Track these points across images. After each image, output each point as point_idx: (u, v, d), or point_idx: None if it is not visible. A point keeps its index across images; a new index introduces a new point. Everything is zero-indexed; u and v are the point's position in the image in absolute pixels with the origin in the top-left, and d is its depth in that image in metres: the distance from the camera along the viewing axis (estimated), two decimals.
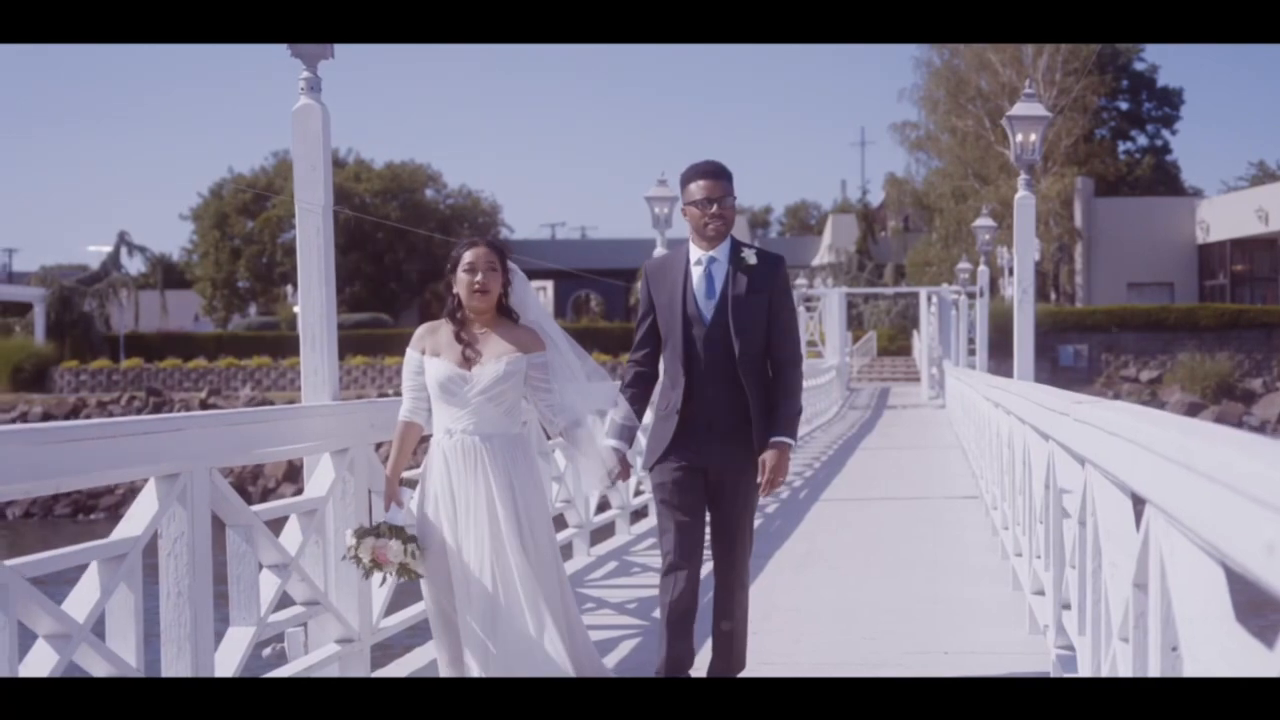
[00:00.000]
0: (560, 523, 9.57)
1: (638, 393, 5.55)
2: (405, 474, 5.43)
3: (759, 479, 5.33)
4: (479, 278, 5.18)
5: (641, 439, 5.71)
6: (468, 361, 5.16)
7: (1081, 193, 56.53)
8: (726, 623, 5.43)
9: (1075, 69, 56.50)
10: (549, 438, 8.54)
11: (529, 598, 5.00)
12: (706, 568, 5.45)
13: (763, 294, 5.35)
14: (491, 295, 5.22)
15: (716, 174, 5.37)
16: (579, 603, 8.17)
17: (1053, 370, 45.14)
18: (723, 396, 5.32)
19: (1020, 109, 11.60)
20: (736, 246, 5.42)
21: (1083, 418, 4.57)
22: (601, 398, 5.42)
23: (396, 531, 5.05)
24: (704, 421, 5.32)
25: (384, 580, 5.36)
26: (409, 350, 5.32)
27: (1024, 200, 11.05)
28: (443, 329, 5.28)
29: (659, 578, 5.45)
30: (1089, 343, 48.02)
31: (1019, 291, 11.15)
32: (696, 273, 5.39)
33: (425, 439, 5.41)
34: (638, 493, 11.54)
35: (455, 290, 5.25)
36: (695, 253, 5.43)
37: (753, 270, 5.37)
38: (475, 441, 5.10)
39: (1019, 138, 11.39)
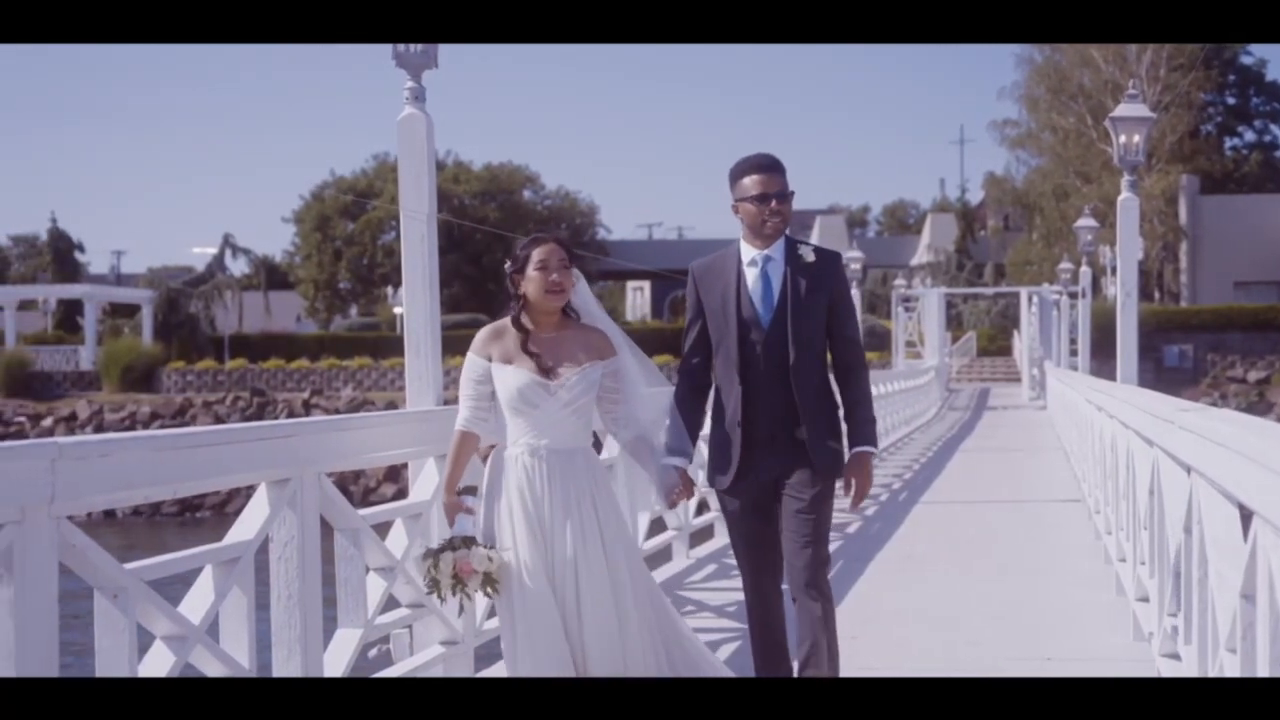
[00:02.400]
0: (660, 525, 9.56)
1: (693, 405, 5.14)
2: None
3: (845, 493, 4.95)
4: (554, 276, 4.85)
5: (702, 448, 5.37)
6: (546, 371, 4.83)
7: (1186, 190, 55.58)
8: (814, 647, 4.91)
9: (1180, 64, 55.56)
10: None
11: (620, 617, 4.77)
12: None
13: (823, 294, 4.97)
14: (567, 294, 4.91)
15: (771, 167, 4.97)
16: (678, 606, 8.22)
17: (1157, 371, 44.42)
18: (786, 405, 4.93)
19: (1123, 110, 11.46)
20: (792, 244, 5.03)
21: (1188, 427, 4.53)
22: (663, 409, 5.11)
23: (470, 542, 4.76)
24: (765, 433, 4.95)
25: (461, 606, 5.02)
26: (471, 355, 4.95)
27: (1128, 202, 10.92)
28: (509, 334, 4.93)
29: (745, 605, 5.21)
30: (1194, 343, 47.22)
31: (1122, 295, 11.03)
32: (751, 274, 5.00)
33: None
34: None
35: (522, 291, 4.90)
36: (748, 252, 5.02)
37: (811, 269, 4.98)
38: (559, 458, 4.79)
39: (1122, 139, 11.26)
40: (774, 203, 4.94)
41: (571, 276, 4.90)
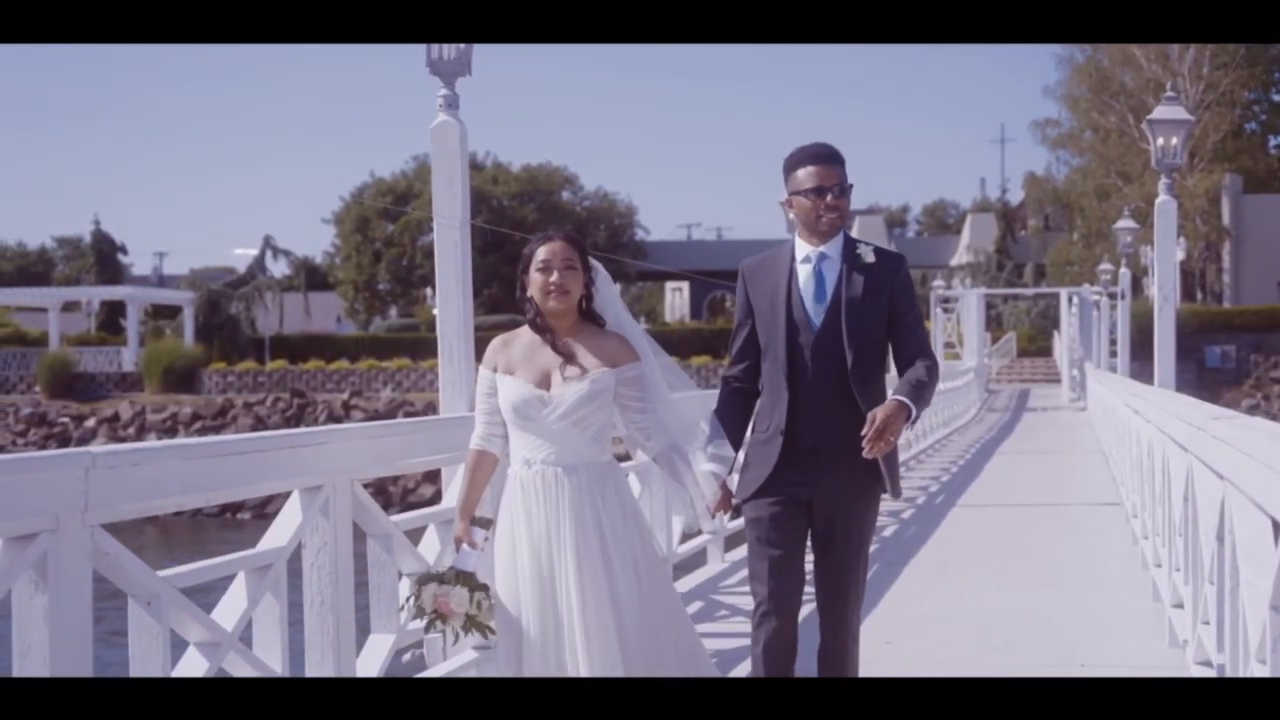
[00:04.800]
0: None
1: (736, 413, 4.73)
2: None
3: (866, 430, 4.29)
4: (555, 277, 4.50)
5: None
6: (548, 380, 4.49)
7: (1229, 189, 55.18)
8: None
9: (1224, 63, 55.18)
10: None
11: (620, 636, 4.39)
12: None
13: (882, 295, 4.55)
14: (571, 297, 4.53)
15: (829, 158, 4.58)
16: (711, 611, 8.22)
17: (1199, 372, 44.10)
18: (833, 415, 4.52)
19: (1161, 112, 11.38)
20: (851, 243, 4.62)
21: (1219, 435, 4.51)
22: (694, 415, 4.78)
23: (464, 578, 4.44)
24: (809, 445, 4.54)
25: (456, 638, 4.64)
26: (480, 368, 4.67)
27: (1165, 205, 10.86)
28: (518, 342, 4.61)
29: (750, 627, 4.67)
30: (1237, 343, 46.85)
31: (1159, 298, 10.98)
32: (804, 271, 4.60)
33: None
34: None
35: (530, 293, 4.58)
36: (802, 249, 4.63)
37: (870, 269, 4.56)
38: (557, 474, 4.43)
39: (1160, 141, 11.18)
40: (831, 197, 4.54)
41: (577, 278, 4.55)
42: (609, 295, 4.67)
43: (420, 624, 4.67)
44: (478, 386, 4.70)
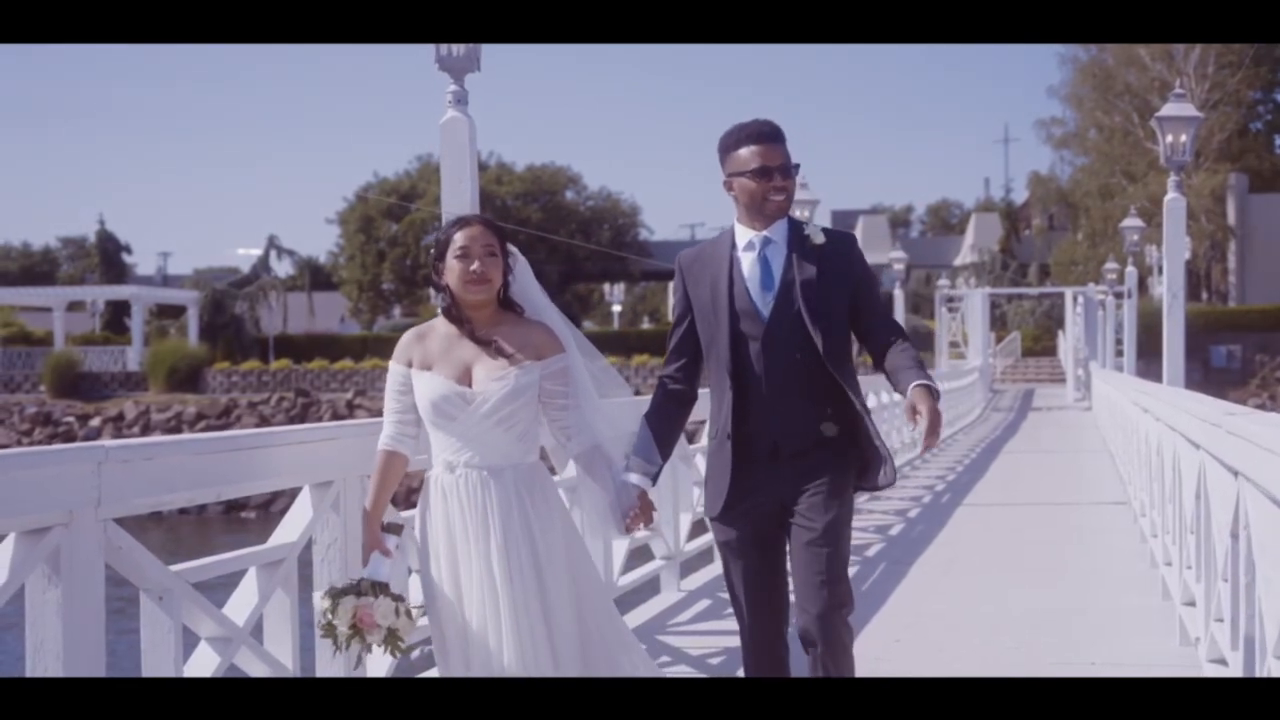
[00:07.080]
0: (646, 553, 8.40)
1: (668, 416, 4.41)
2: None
3: (912, 426, 4.01)
4: (475, 265, 4.17)
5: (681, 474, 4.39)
6: (468, 375, 4.16)
7: (1235, 189, 55.18)
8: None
9: (1229, 62, 55.21)
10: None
11: (552, 644, 4.10)
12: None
13: (842, 278, 4.23)
14: (492, 286, 4.21)
15: (773, 136, 4.26)
16: (653, 656, 7.67)
17: (1204, 372, 44.08)
18: (790, 409, 4.21)
19: (1170, 109, 11.35)
20: (796, 225, 4.29)
21: (1235, 430, 4.49)
22: (623, 417, 4.43)
23: (380, 589, 4.11)
24: (767, 445, 4.23)
25: (360, 656, 4.29)
26: (392, 363, 4.30)
27: (1174, 203, 10.83)
28: (433, 335, 4.27)
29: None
30: (1243, 343, 46.86)
31: (1168, 296, 10.96)
32: (747, 259, 4.28)
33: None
34: None
35: (444, 282, 4.25)
36: (744, 235, 4.31)
37: (822, 251, 4.24)
38: (482, 477, 4.10)
39: (1169, 139, 11.15)
40: (779, 177, 4.24)
41: (498, 266, 4.22)
42: (526, 283, 4.34)
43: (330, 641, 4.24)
44: (388, 382, 4.33)
